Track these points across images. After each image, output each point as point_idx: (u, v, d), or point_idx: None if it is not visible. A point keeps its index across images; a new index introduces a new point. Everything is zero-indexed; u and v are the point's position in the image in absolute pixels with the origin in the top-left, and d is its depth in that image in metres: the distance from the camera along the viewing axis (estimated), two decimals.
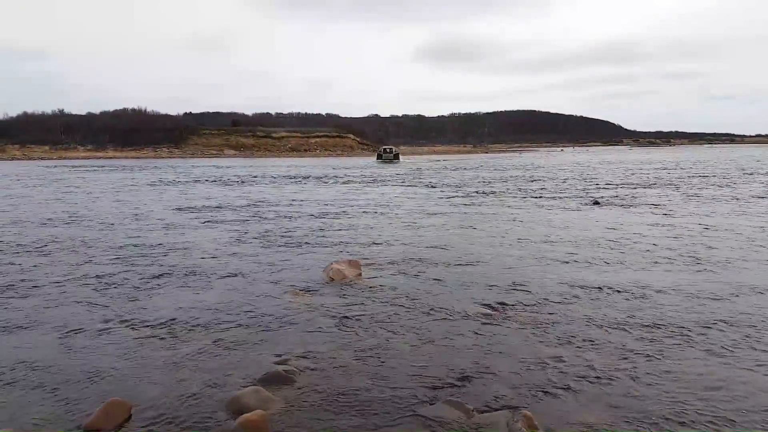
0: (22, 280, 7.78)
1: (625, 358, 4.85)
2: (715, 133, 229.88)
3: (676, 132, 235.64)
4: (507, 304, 6.45)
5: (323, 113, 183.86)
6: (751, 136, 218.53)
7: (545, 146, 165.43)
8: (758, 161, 48.76)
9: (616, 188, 22.94)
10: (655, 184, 24.91)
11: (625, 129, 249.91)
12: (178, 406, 4.04)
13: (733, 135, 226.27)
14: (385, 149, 68.52)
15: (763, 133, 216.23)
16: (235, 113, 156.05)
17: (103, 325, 5.83)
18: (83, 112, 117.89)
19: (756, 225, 12.26)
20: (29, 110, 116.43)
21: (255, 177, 34.28)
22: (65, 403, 4.10)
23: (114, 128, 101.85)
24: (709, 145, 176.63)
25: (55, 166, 53.09)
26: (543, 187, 24.38)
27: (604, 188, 23.04)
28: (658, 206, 16.16)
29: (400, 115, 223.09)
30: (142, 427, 3.79)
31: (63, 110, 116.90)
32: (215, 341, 5.35)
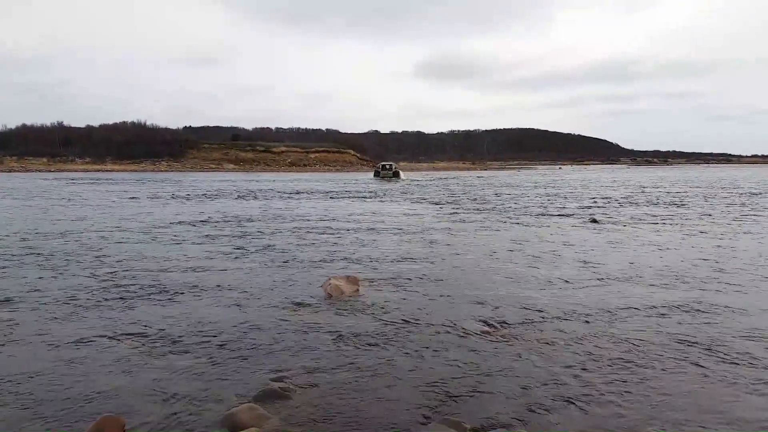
0: (15, 294, 7.73)
1: (624, 379, 4.82)
2: (712, 153, 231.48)
3: (674, 151, 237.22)
4: (505, 322, 6.42)
5: (323, 128, 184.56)
6: (747, 157, 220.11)
7: (543, 164, 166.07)
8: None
9: (614, 206, 22.99)
10: (653, 202, 24.98)
11: (623, 148, 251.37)
12: (172, 423, 4.00)
13: (730, 155, 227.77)
14: (384, 165, 62.84)
15: (759, 154, 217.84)
16: (235, 127, 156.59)
17: (95, 340, 5.78)
18: (82, 125, 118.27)
19: (762, 246, 12.27)
20: (28, 122, 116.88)
21: (252, 191, 34.31)
22: (57, 419, 4.05)
23: (113, 141, 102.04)
24: (707, 164, 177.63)
25: (54, 179, 53.08)
26: (541, 204, 24.42)
27: (601, 206, 23.09)
28: (657, 225, 16.18)
29: (399, 131, 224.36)
30: None
31: (62, 122, 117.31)
32: (210, 357, 5.31)
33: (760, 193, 30.80)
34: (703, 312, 6.86)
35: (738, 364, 5.17)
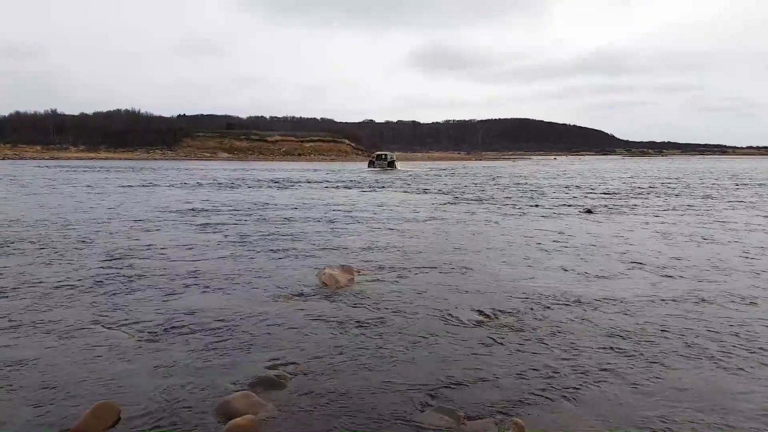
0: (11, 281, 7.70)
1: (617, 367, 4.86)
2: (707, 144, 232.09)
3: (669, 142, 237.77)
4: (499, 311, 6.45)
5: (318, 118, 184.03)
6: (742, 148, 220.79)
7: (538, 154, 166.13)
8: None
9: (609, 197, 23.05)
10: (647, 192, 25.06)
11: (618, 139, 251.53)
12: (167, 410, 4.01)
13: (725, 146, 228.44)
14: (379, 155, 60.17)
15: (754, 145, 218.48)
16: (229, 116, 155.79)
17: (92, 327, 5.78)
18: (76, 113, 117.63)
19: (751, 236, 12.35)
20: (21, 110, 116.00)
21: (246, 181, 34.20)
22: (53, 405, 4.06)
23: (107, 129, 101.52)
24: (702, 156, 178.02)
25: (57, 167, 52.54)
26: (537, 194, 24.47)
27: (596, 197, 23.16)
28: (651, 215, 16.24)
29: (395, 121, 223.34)
30: (131, 430, 3.75)
31: (56, 110, 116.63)
32: (206, 345, 5.32)
33: None
34: (699, 303, 6.92)
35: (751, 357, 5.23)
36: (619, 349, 5.30)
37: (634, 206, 19.18)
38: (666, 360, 5.04)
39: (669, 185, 31.43)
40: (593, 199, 22.30)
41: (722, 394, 4.35)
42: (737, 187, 30.01)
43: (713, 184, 32.76)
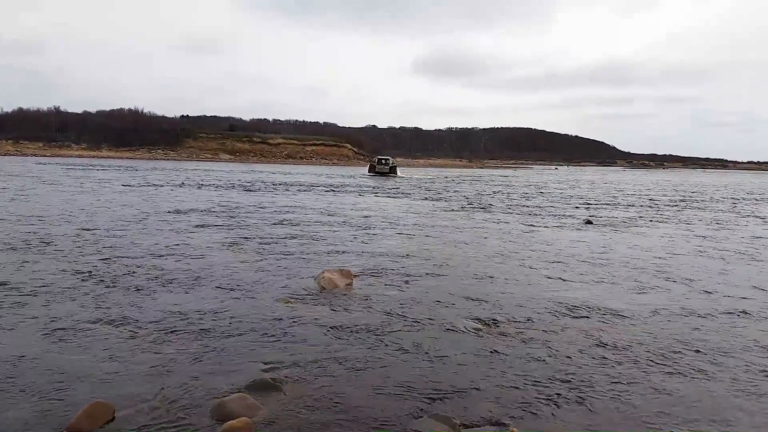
0: (9, 278, 7.69)
1: (613, 378, 4.84)
2: (708, 158, 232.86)
3: (670, 155, 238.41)
4: (497, 320, 6.44)
5: (320, 121, 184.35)
6: (743, 163, 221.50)
7: (540, 164, 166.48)
8: None
9: (609, 208, 23.05)
10: (645, 205, 25.07)
11: (620, 150, 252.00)
12: (163, 410, 3.99)
13: (726, 161, 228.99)
14: (380, 160, 58.80)
15: (754, 160, 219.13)
16: (232, 117, 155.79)
17: (89, 326, 5.77)
18: (79, 110, 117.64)
19: (750, 249, 12.34)
20: (24, 106, 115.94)
21: (265, 183, 34.21)
22: (48, 404, 4.05)
23: (109, 128, 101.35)
24: (703, 169, 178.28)
25: (65, 165, 52.27)
26: (537, 204, 24.46)
27: (597, 208, 23.15)
28: (651, 227, 16.24)
29: (397, 126, 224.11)
30: (126, 429, 3.74)
31: (59, 107, 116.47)
32: (203, 346, 5.30)
33: None
34: (696, 316, 6.91)
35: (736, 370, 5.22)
36: (614, 361, 5.29)
37: (632, 219, 19.18)
38: (661, 373, 5.02)
39: (687, 199, 31.47)
40: (618, 209, 22.30)
41: (717, 410, 4.34)
42: (757, 202, 30.05)
43: (730, 198, 32.83)
